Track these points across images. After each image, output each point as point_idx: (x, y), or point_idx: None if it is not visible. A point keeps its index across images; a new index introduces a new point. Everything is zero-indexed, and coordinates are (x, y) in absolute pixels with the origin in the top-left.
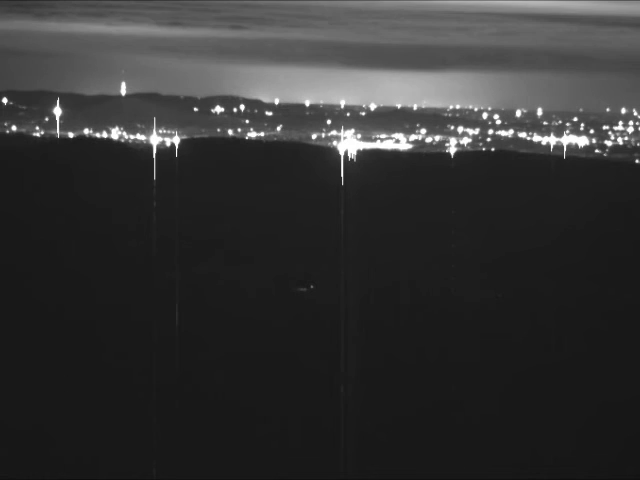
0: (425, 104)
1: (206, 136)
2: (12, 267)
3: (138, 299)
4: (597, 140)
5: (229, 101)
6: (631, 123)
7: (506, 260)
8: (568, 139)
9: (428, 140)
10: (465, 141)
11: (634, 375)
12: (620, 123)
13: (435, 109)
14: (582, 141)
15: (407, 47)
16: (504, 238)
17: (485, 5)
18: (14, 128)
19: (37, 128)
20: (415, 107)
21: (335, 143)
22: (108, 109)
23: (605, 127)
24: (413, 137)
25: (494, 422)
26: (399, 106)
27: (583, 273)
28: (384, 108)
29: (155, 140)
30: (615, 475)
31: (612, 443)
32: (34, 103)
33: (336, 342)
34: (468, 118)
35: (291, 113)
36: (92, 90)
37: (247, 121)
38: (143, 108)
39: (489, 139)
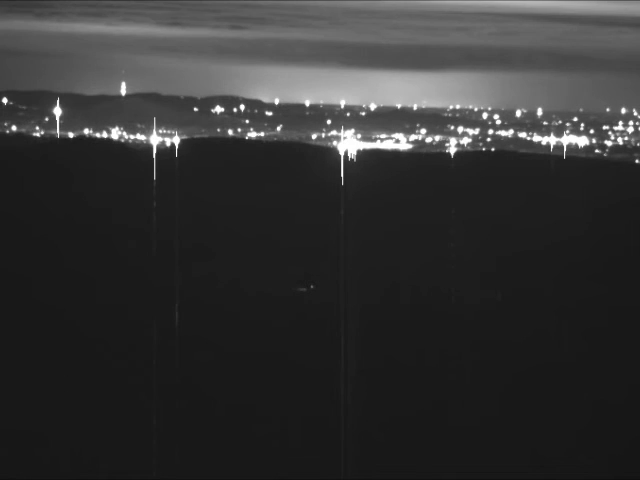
0: (425, 104)
1: (206, 136)
2: (12, 267)
3: (138, 299)
4: (597, 140)
5: (229, 101)
6: (631, 123)
7: (506, 260)
8: (568, 139)
9: (428, 140)
10: (465, 141)
11: (634, 375)
12: (620, 123)
13: (435, 109)
14: (582, 141)
15: (407, 47)
16: (504, 238)
17: (485, 5)
18: (14, 128)
19: (37, 128)
20: (415, 107)
21: (335, 143)
22: (108, 109)
23: (605, 127)
24: (413, 137)
25: (494, 422)
26: (399, 106)
27: (583, 273)
28: (384, 108)
29: (155, 140)
30: (615, 475)
31: (612, 443)
32: (34, 103)
33: (336, 342)
34: (468, 118)
35: (291, 113)
36: (92, 90)
37: (247, 121)
38: (143, 108)
39: (489, 139)
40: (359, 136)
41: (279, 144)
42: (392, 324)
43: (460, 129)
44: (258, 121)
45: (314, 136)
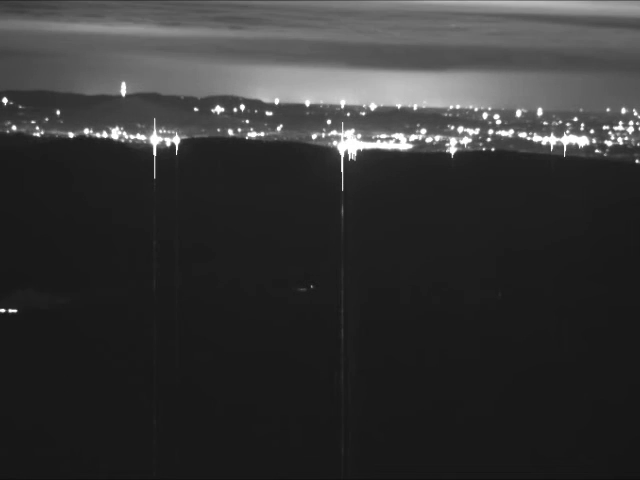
0: (425, 104)
1: (206, 136)
2: (12, 266)
3: (138, 299)
4: (597, 140)
5: (229, 101)
6: (631, 123)
7: (506, 260)
8: (568, 139)
9: (428, 140)
10: (465, 141)
11: (634, 375)
12: (620, 123)
13: (435, 109)
14: (582, 141)
15: (407, 47)
16: (504, 238)
17: (485, 5)
18: (14, 128)
19: (37, 128)
20: (415, 107)
21: (335, 143)
22: (108, 109)
23: (605, 127)
24: (413, 137)
25: (494, 422)
26: (399, 106)
27: (583, 272)
28: (384, 108)
29: (155, 140)
30: (615, 475)
31: (612, 443)
32: (34, 103)
33: (336, 342)
34: (468, 118)
35: (291, 113)
36: (92, 90)
37: (247, 121)
38: (143, 108)
39: (489, 139)
40: (359, 136)
41: (279, 144)
42: (392, 324)
43: (460, 129)
44: (258, 121)
45: (314, 136)
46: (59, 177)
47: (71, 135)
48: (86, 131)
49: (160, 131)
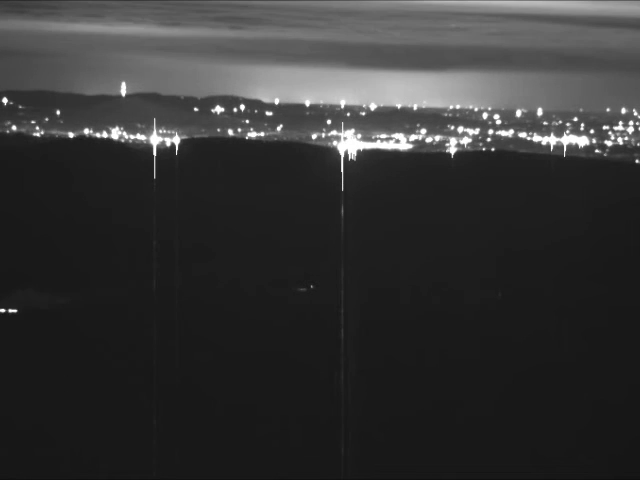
0: (425, 104)
1: (206, 136)
2: (12, 266)
3: (138, 299)
4: (597, 140)
5: (229, 101)
6: (631, 123)
7: (506, 260)
8: (568, 139)
9: (428, 140)
10: (465, 141)
11: (634, 375)
12: (620, 123)
13: (435, 109)
14: (582, 141)
15: (407, 47)
16: (504, 238)
17: (485, 5)
18: (14, 128)
19: (37, 128)
20: (415, 107)
21: (335, 143)
22: (108, 109)
23: (605, 127)
24: (413, 137)
25: (494, 422)
26: (399, 106)
27: (583, 272)
28: (384, 108)
29: (155, 140)
30: (615, 475)
31: (612, 443)
32: (34, 103)
33: (336, 342)
34: (468, 118)
35: (291, 113)
36: (92, 90)
37: (247, 121)
38: (143, 108)
39: (489, 139)
40: (359, 136)
41: (279, 144)
42: (392, 324)
43: (460, 129)
44: (258, 121)
45: (314, 136)
46: (59, 177)
47: (71, 135)
48: (86, 131)
49: (160, 131)
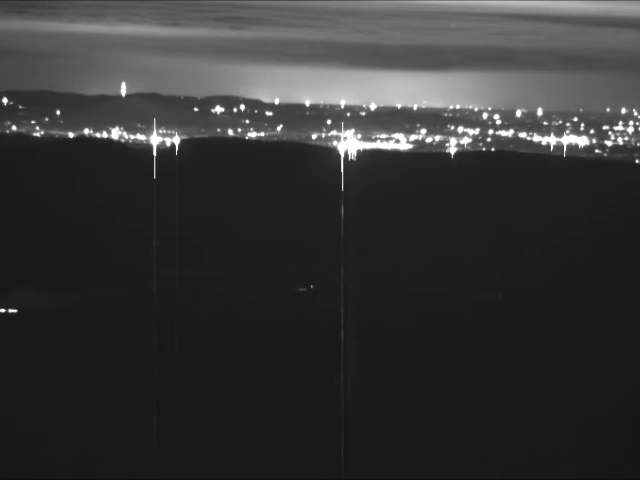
0: (425, 104)
1: (206, 136)
2: (12, 266)
3: (138, 299)
4: (597, 140)
5: (229, 101)
6: (631, 123)
7: (506, 260)
8: (568, 139)
9: (428, 140)
10: (465, 141)
11: (634, 375)
12: (620, 123)
13: (435, 109)
14: (582, 141)
15: (407, 47)
16: (504, 238)
17: (485, 5)
18: (14, 128)
19: (37, 128)
20: (415, 107)
21: (335, 143)
22: (108, 109)
23: (605, 127)
24: (413, 137)
25: (494, 422)
26: (399, 106)
27: (583, 272)
28: (384, 108)
29: (155, 140)
30: (615, 475)
31: (612, 443)
32: (34, 103)
33: (336, 342)
34: (468, 118)
35: (291, 113)
36: (92, 90)
37: (247, 121)
38: (143, 108)
39: (489, 139)
40: (359, 136)
41: (279, 144)
42: (392, 324)
43: (460, 129)
44: (258, 121)
45: (314, 136)
46: (59, 177)
47: (71, 135)
48: (86, 131)
49: (160, 131)
